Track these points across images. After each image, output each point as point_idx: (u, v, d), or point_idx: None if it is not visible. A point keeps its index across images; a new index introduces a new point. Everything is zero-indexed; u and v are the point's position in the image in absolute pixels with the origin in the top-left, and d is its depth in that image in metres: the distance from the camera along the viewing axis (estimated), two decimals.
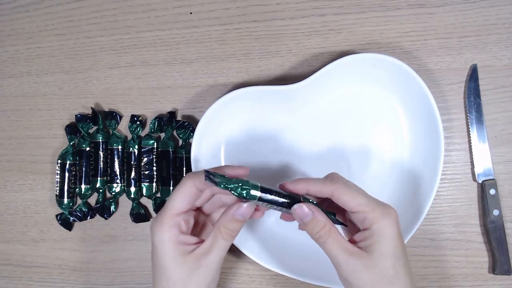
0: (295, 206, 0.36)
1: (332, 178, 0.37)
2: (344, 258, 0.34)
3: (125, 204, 0.53)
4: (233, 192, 0.35)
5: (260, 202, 0.36)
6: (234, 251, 0.48)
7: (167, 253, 0.36)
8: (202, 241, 0.37)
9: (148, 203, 0.53)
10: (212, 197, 0.40)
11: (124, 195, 0.52)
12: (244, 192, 0.35)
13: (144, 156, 0.51)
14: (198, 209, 0.41)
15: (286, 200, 0.36)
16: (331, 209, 0.39)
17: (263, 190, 0.36)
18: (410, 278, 0.35)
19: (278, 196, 0.36)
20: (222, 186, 0.34)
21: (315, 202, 0.38)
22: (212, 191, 0.39)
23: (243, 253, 0.47)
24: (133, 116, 0.51)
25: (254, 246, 0.48)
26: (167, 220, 0.36)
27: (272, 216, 0.49)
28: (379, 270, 0.34)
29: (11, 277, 0.54)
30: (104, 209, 0.52)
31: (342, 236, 0.36)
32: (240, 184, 0.35)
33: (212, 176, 0.34)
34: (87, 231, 0.53)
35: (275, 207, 0.36)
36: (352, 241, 0.36)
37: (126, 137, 0.53)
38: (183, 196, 0.37)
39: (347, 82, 0.48)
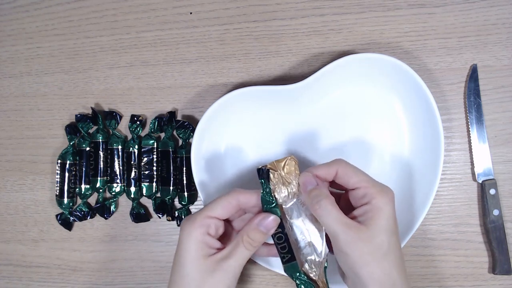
0: (302, 175, 0.38)
1: (335, 160, 0.39)
2: (342, 230, 0.35)
3: (125, 204, 0.53)
4: (263, 203, 0.38)
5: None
6: None
7: (189, 251, 0.36)
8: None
9: (148, 203, 0.53)
10: (244, 214, 0.41)
11: (124, 195, 0.52)
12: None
13: (144, 156, 0.51)
14: (230, 223, 0.41)
15: (288, 251, 0.38)
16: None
17: (281, 225, 0.38)
18: (401, 253, 0.37)
19: (285, 243, 0.38)
20: (262, 192, 0.38)
21: None
22: (248, 211, 0.40)
23: None
24: (133, 116, 0.51)
25: None
26: (199, 219, 0.37)
27: None
28: (375, 242, 0.35)
29: (11, 277, 0.54)
30: (104, 209, 0.52)
31: (341, 211, 0.36)
32: (271, 205, 0.38)
33: (266, 177, 0.38)
34: (87, 231, 0.53)
35: (277, 248, 0.38)
36: (351, 218, 0.37)
37: (126, 137, 0.53)
38: (223, 205, 0.38)
39: (347, 82, 0.48)
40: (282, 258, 0.38)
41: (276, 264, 0.47)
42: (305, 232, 0.38)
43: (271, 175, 0.38)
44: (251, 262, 0.49)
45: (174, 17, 0.53)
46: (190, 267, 0.36)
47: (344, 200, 0.40)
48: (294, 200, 0.38)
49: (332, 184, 0.40)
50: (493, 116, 0.49)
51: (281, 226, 0.38)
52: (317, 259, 0.38)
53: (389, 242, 0.35)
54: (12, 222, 0.54)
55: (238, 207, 0.39)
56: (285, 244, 0.37)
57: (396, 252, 0.36)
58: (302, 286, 0.37)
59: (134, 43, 0.53)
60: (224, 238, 0.40)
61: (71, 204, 0.52)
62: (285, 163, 0.38)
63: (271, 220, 0.37)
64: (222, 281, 0.36)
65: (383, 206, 0.36)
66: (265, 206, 0.38)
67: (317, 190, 0.37)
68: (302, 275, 0.37)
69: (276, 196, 0.38)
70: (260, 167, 0.38)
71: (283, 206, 0.38)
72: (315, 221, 0.38)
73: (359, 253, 0.35)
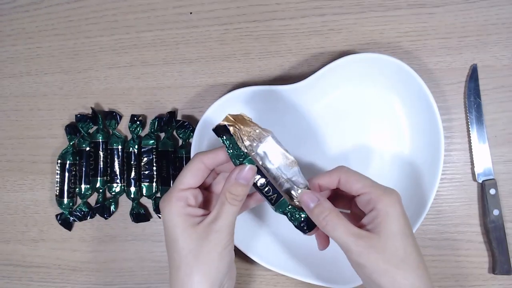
0: (302, 193, 0.37)
1: (337, 167, 0.39)
2: (353, 241, 0.34)
3: (125, 204, 0.53)
4: (232, 159, 0.37)
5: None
6: (233, 250, 0.48)
7: (176, 225, 0.36)
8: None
9: (148, 203, 0.53)
10: (218, 176, 0.41)
11: (124, 195, 0.52)
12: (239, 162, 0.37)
13: (144, 156, 0.51)
14: (208, 190, 0.41)
15: (273, 191, 0.38)
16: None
17: (259, 172, 0.37)
18: (420, 256, 0.35)
19: (268, 185, 0.37)
20: (227, 149, 0.37)
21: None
22: (218, 170, 0.40)
23: (243, 253, 0.47)
24: (133, 116, 0.51)
25: (255, 246, 0.48)
26: (175, 194, 0.37)
27: (273, 216, 0.49)
28: (389, 249, 0.34)
29: (10, 277, 0.54)
30: (104, 209, 0.52)
31: (349, 222, 0.36)
32: (241, 158, 0.37)
33: (225, 133, 0.37)
34: (87, 231, 0.53)
35: (262, 194, 0.38)
36: (360, 226, 0.36)
37: (126, 137, 0.53)
38: (190, 173, 0.37)
39: (347, 82, 0.48)
40: (270, 201, 0.38)
41: (276, 264, 0.47)
42: (280, 170, 0.39)
43: (230, 129, 0.37)
44: (251, 262, 0.49)
45: (174, 17, 0.53)
46: (183, 240, 0.36)
47: (355, 206, 0.40)
48: (260, 145, 0.38)
49: (337, 191, 0.40)
50: (493, 116, 0.49)
51: (258, 172, 0.37)
52: (298, 191, 0.38)
53: (405, 246, 0.34)
54: (12, 222, 0.54)
55: (207, 169, 0.38)
56: (268, 187, 0.38)
57: (414, 254, 0.35)
58: (294, 215, 0.38)
59: (134, 43, 0.53)
60: (207, 205, 0.40)
61: (71, 204, 0.52)
62: (236, 116, 0.38)
63: (248, 170, 0.37)
64: (218, 242, 0.36)
65: (389, 209, 0.35)
66: (236, 161, 0.37)
67: (319, 206, 0.36)
68: (292, 207, 0.38)
69: (242, 148, 0.37)
70: (214, 127, 0.38)
71: (251, 154, 0.38)
72: (285, 158, 0.38)
73: (375, 262, 0.34)
